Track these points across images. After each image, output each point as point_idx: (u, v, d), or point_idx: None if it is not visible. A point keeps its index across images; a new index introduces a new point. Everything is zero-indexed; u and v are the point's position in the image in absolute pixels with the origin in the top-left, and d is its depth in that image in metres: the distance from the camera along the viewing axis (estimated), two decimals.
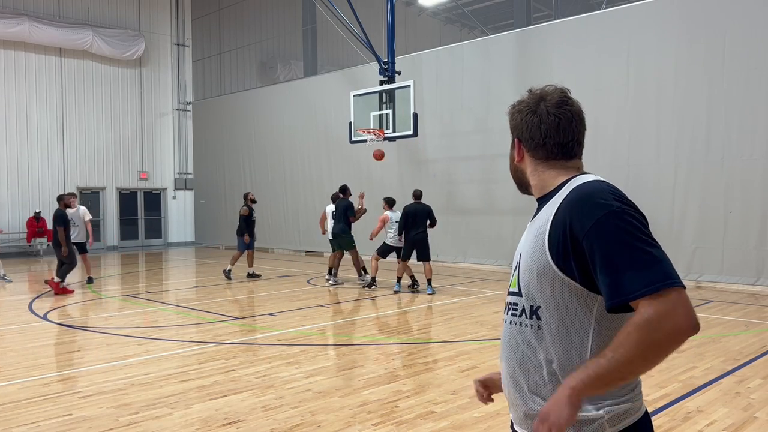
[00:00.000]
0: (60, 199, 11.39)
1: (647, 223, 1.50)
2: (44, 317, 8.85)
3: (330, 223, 11.97)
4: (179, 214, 23.59)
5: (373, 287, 11.18)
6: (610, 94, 11.91)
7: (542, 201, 1.67)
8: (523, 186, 1.78)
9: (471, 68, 14.41)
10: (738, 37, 10.46)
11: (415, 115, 11.89)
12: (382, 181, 16.46)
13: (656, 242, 1.45)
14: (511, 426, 1.75)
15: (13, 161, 19.74)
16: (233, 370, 5.91)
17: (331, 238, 11.92)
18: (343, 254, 11.94)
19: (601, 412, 1.52)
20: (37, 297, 10.85)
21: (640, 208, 1.52)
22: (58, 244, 11.06)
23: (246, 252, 12.86)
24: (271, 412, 4.68)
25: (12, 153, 19.73)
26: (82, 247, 12.17)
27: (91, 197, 21.59)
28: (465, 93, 14.48)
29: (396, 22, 13.07)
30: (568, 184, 1.61)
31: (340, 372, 5.81)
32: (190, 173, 23.79)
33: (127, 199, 22.37)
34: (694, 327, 1.36)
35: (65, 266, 11.11)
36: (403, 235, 10.62)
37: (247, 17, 21.70)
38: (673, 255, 11.39)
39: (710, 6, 10.83)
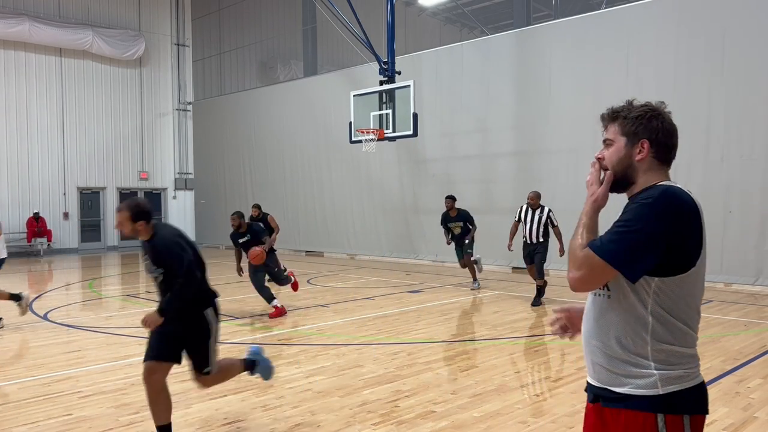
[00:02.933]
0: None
1: None
2: (44, 317, 8.86)
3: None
4: (179, 214, 23.59)
5: None
6: (609, 94, 11.88)
7: (633, 198, 1.91)
8: (626, 183, 1.94)
9: (471, 68, 14.41)
10: (737, 36, 10.47)
11: (415, 115, 11.89)
12: (382, 181, 16.48)
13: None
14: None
15: (14, 161, 19.75)
16: None
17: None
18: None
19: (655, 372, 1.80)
20: (37, 297, 10.86)
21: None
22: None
23: None
24: (271, 412, 4.69)
25: (12, 153, 19.73)
26: None
27: (91, 197, 21.61)
28: (464, 93, 14.49)
29: (396, 22, 13.06)
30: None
31: (340, 372, 5.81)
32: (190, 173, 23.79)
33: (127, 198, 22.35)
34: None
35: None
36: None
37: (247, 17, 21.72)
38: None
39: (709, 6, 10.83)
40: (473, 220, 11.08)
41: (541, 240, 9.39)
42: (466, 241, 10.92)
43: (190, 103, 23.69)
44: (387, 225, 16.54)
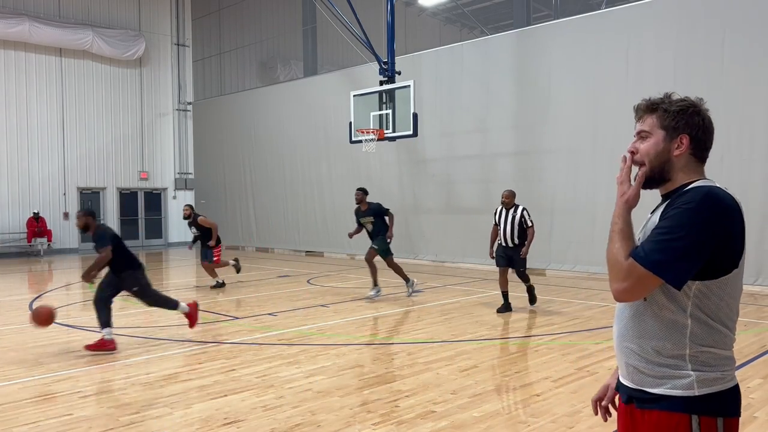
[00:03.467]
0: None
1: None
2: None
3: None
4: (179, 214, 23.52)
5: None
6: (609, 93, 11.92)
7: (668, 196, 1.87)
8: (661, 179, 1.90)
9: (470, 68, 14.42)
10: (737, 36, 10.47)
11: (415, 115, 11.90)
12: (382, 181, 16.47)
13: None
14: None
15: (14, 161, 19.76)
16: (233, 369, 5.92)
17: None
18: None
19: (692, 373, 1.77)
20: (37, 297, 10.86)
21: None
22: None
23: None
24: (271, 412, 4.69)
25: (12, 153, 19.75)
26: None
27: (91, 197, 21.61)
28: (464, 93, 14.49)
29: (396, 22, 13.07)
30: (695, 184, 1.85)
31: (341, 372, 5.82)
32: (190, 173, 23.80)
33: (127, 199, 22.39)
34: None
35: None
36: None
37: (247, 17, 21.73)
38: None
39: (709, 5, 10.83)
40: (387, 212, 10.01)
41: (517, 242, 8.63)
42: (378, 239, 9.94)
43: (190, 103, 23.69)
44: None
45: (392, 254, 10.18)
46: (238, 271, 12.24)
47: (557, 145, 12.87)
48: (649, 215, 1.89)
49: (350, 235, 10.50)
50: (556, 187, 12.88)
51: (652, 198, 1.93)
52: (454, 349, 6.70)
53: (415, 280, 10.56)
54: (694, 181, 1.86)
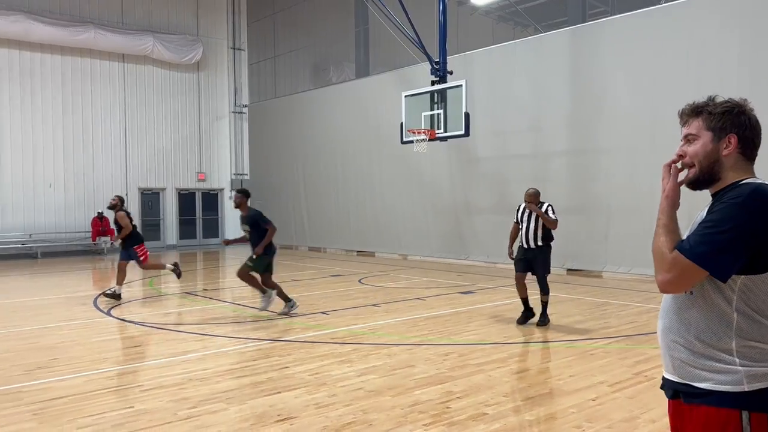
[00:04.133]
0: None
1: None
2: (108, 313, 9.22)
3: None
4: (235, 214, 23.95)
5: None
6: (669, 93, 11.54)
7: (718, 194, 1.89)
8: (711, 179, 1.91)
9: (523, 66, 14.23)
10: None
11: (467, 115, 11.82)
12: (433, 180, 16.44)
13: None
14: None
15: (79, 164, 20.64)
16: (287, 367, 6.01)
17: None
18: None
19: (741, 368, 1.76)
20: (101, 293, 11.30)
21: None
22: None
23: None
24: (323, 410, 4.75)
25: (78, 155, 20.63)
26: None
27: (151, 197, 22.36)
28: (517, 92, 14.31)
29: (448, 22, 13.02)
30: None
31: (392, 371, 5.84)
32: (245, 174, 24.31)
33: (185, 199, 23.05)
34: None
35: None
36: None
37: (301, 21, 22.04)
38: None
39: None
40: (267, 222, 8.82)
41: (540, 244, 7.84)
42: (254, 256, 8.60)
43: (245, 106, 24.21)
44: (438, 225, 16.50)
45: (271, 272, 8.77)
46: (178, 276, 11.11)
47: (613, 144, 12.56)
48: (699, 212, 1.91)
49: (226, 242, 9.42)
50: (612, 187, 12.56)
51: (703, 198, 1.91)
52: (507, 351, 6.63)
53: (273, 296, 8.81)
54: (744, 179, 1.87)
